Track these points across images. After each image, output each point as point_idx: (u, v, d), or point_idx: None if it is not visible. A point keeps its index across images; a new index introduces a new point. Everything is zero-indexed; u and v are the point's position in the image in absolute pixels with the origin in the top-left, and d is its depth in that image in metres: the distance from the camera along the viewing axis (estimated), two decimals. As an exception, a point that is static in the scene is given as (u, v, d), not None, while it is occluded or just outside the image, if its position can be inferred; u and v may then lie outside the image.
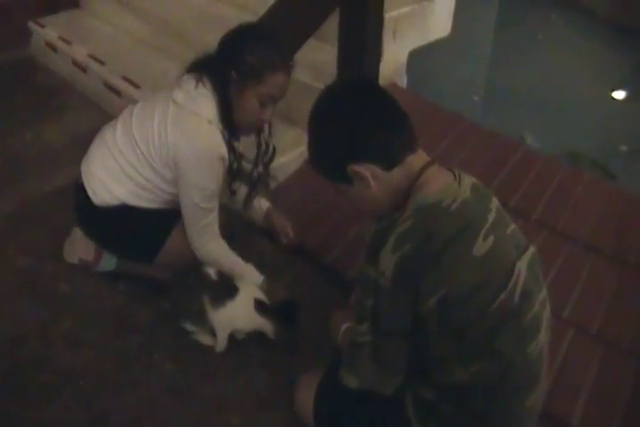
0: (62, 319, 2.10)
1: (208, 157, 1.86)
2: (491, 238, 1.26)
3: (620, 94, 4.13)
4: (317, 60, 2.76)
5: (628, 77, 4.32)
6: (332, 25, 2.52)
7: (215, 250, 2.04)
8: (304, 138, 2.73)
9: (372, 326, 1.28)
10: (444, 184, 1.32)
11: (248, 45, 1.84)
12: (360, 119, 1.33)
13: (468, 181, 1.35)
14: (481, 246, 1.25)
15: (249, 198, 2.25)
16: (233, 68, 1.84)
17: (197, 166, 1.87)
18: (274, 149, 2.17)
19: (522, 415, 1.38)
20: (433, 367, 1.34)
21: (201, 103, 1.87)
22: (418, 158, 1.36)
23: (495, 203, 1.36)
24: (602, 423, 1.83)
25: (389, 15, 2.82)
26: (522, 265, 1.31)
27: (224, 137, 1.89)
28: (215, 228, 2.02)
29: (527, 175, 2.67)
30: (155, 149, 1.90)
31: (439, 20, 3.41)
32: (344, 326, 1.66)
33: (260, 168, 2.19)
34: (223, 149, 1.88)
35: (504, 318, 1.26)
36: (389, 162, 1.33)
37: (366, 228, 1.80)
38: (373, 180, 1.33)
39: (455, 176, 1.35)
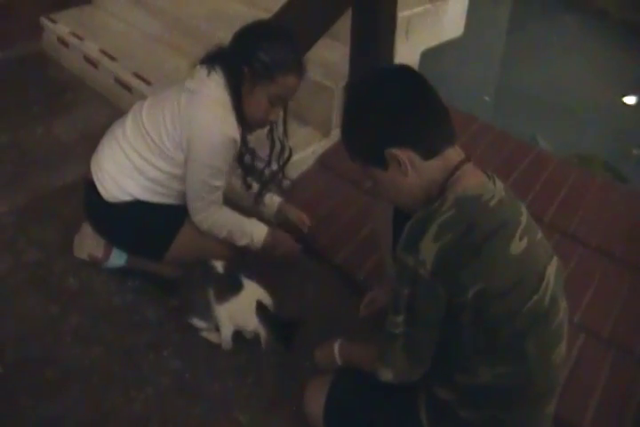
0: (71, 315, 2.10)
1: (220, 137, 1.86)
2: (525, 240, 1.26)
3: (631, 99, 4.11)
4: (329, 59, 2.75)
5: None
6: (344, 24, 2.51)
7: (219, 218, 2.04)
8: (315, 136, 2.79)
9: (407, 316, 1.26)
10: (480, 180, 1.31)
11: (263, 44, 1.84)
12: (407, 104, 1.30)
13: (500, 183, 1.34)
14: (517, 245, 1.24)
15: (260, 195, 2.24)
16: (246, 64, 1.84)
17: (209, 146, 1.87)
18: (290, 150, 2.18)
19: (540, 423, 1.38)
20: (457, 366, 1.32)
21: (212, 87, 1.88)
22: (455, 153, 1.34)
23: (525, 209, 1.35)
24: (612, 428, 1.83)
25: (402, 15, 2.81)
26: (551, 271, 1.30)
27: (235, 119, 1.90)
28: (219, 202, 2.02)
29: (539, 178, 2.65)
30: (167, 134, 1.90)
31: (452, 21, 3.40)
32: (336, 348, 1.64)
33: (274, 166, 2.19)
34: (235, 131, 1.88)
35: (535, 320, 1.26)
36: (429, 151, 1.30)
37: (378, 216, 1.79)
38: (411, 167, 1.31)
39: (489, 176, 1.34)
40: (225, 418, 1.84)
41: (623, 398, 1.89)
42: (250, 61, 1.83)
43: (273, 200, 2.30)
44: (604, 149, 3.36)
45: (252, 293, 1.96)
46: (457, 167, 1.30)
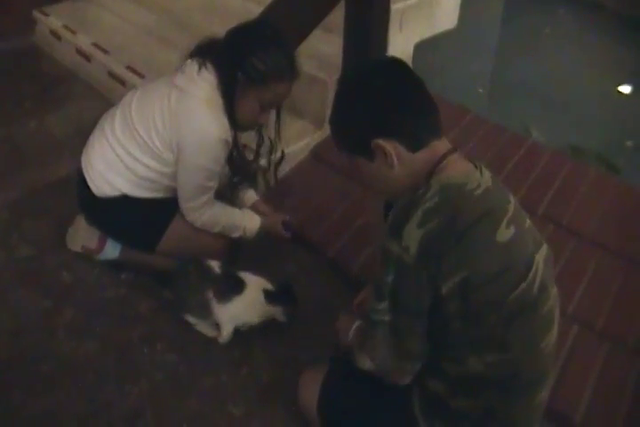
0: (64, 309, 2.10)
1: (210, 140, 1.85)
2: (512, 228, 1.26)
3: (626, 89, 4.10)
4: (322, 51, 2.74)
5: (635, 71, 4.29)
6: (337, 16, 2.49)
7: (211, 216, 2.04)
8: (309, 129, 2.78)
9: (390, 303, 1.26)
10: (466, 170, 1.31)
11: (258, 51, 1.83)
12: (394, 95, 1.31)
13: (488, 172, 1.35)
14: (504, 233, 1.25)
15: (236, 188, 2.24)
16: (240, 69, 1.83)
17: (201, 148, 1.87)
18: (283, 153, 2.18)
19: (530, 413, 1.38)
20: (446, 356, 1.32)
21: (204, 87, 1.86)
22: (442, 144, 1.34)
23: (512, 198, 1.35)
24: (605, 420, 1.83)
25: (396, 7, 2.80)
26: (539, 258, 1.31)
27: (227, 120, 1.89)
28: (211, 200, 2.02)
29: (533, 169, 2.65)
30: (157, 134, 1.89)
31: (446, 12, 3.39)
32: (354, 326, 1.60)
33: (262, 162, 2.19)
34: (227, 133, 1.87)
35: (522, 308, 1.26)
36: (415, 143, 1.31)
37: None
38: (397, 158, 1.31)
39: (476, 166, 1.34)
40: (219, 411, 1.84)
41: (616, 389, 1.90)
42: (244, 68, 1.82)
43: (249, 196, 2.28)
44: (597, 141, 3.35)
45: (256, 286, 1.97)
46: (443, 157, 1.31)
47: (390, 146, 1.30)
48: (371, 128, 1.32)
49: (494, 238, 1.23)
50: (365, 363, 1.36)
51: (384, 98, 1.31)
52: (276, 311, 1.96)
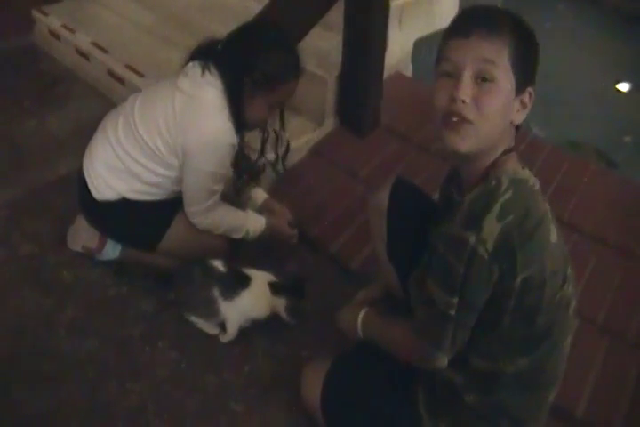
0: (66, 308, 2.10)
1: (218, 145, 1.85)
2: (555, 229, 1.26)
3: (624, 86, 4.10)
4: (322, 49, 2.74)
5: (634, 68, 4.29)
6: (337, 13, 2.50)
7: (216, 218, 2.04)
8: (309, 126, 2.79)
9: (461, 299, 1.21)
10: (522, 166, 1.31)
11: (264, 54, 1.83)
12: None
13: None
14: (554, 233, 1.24)
15: (246, 186, 2.24)
16: (247, 75, 1.83)
17: (207, 152, 1.86)
18: (288, 143, 2.17)
19: (542, 409, 1.39)
20: (479, 351, 1.30)
21: (208, 91, 1.86)
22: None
23: None
24: (606, 415, 1.83)
25: (395, 3, 2.80)
26: (569, 259, 1.31)
27: (232, 124, 1.88)
28: (217, 202, 2.02)
29: (533, 165, 2.63)
30: (161, 138, 1.88)
31: (445, 9, 3.39)
32: (361, 315, 1.58)
33: (270, 156, 2.19)
34: (233, 136, 1.87)
35: (562, 308, 1.27)
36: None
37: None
38: (518, 119, 1.29)
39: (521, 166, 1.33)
40: (221, 408, 1.84)
41: (617, 383, 1.91)
42: (251, 73, 1.83)
43: (260, 195, 2.29)
44: (596, 137, 3.36)
45: (261, 280, 1.97)
46: (512, 149, 1.31)
47: (529, 104, 1.29)
48: (534, 75, 1.29)
49: (550, 238, 1.23)
50: (444, 361, 1.30)
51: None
52: (280, 304, 1.95)
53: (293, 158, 2.65)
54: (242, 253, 2.22)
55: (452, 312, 1.22)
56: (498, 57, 1.22)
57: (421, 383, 1.44)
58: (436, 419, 1.41)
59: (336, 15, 2.50)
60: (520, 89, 1.25)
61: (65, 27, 3.53)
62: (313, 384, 1.63)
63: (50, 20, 3.62)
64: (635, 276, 2.22)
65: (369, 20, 2.47)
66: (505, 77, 1.22)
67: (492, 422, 1.36)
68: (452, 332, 1.25)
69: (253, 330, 2.03)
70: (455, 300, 1.21)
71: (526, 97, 1.28)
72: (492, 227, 1.15)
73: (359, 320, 1.58)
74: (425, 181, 2.02)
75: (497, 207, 1.17)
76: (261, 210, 2.26)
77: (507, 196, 1.19)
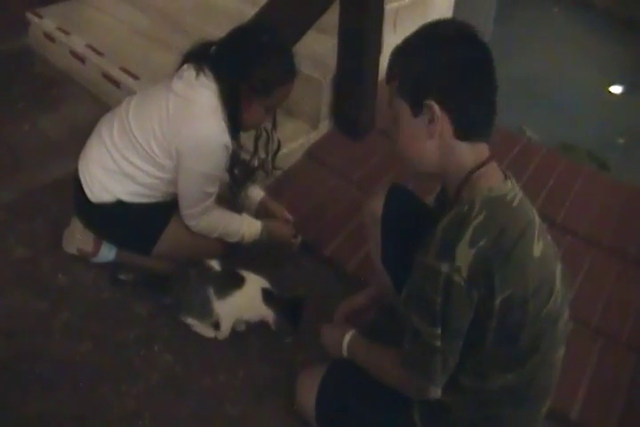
0: (61, 311, 2.09)
1: (212, 146, 1.85)
2: (541, 241, 1.24)
3: (617, 89, 4.13)
4: (317, 52, 2.74)
5: (626, 71, 4.31)
6: (332, 16, 2.50)
7: (211, 222, 2.04)
8: (304, 129, 2.79)
9: (444, 329, 1.19)
10: (501, 179, 1.27)
11: (260, 59, 1.84)
12: (477, 70, 1.24)
13: (515, 182, 1.30)
14: (537, 248, 1.22)
15: (242, 185, 2.24)
16: (243, 80, 1.84)
17: (200, 154, 1.87)
18: (279, 142, 2.18)
19: (536, 420, 1.39)
20: (468, 371, 1.29)
21: (202, 93, 1.86)
22: (485, 149, 1.29)
23: (533, 208, 1.32)
24: (600, 417, 1.84)
25: (390, 6, 2.80)
26: (558, 271, 1.29)
27: (227, 126, 1.88)
28: (212, 205, 2.02)
29: (527, 168, 2.66)
30: (155, 140, 1.89)
31: (440, 12, 3.39)
32: (347, 337, 1.58)
33: (261, 155, 2.19)
34: (227, 138, 1.87)
35: (548, 324, 1.25)
36: (466, 130, 1.24)
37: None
38: (438, 133, 1.24)
39: (505, 175, 1.29)
40: (216, 412, 1.84)
41: (611, 385, 1.91)
42: (247, 80, 1.83)
43: (256, 193, 2.29)
44: (589, 139, 3.37)
45: (255, 283, 1.97)
46: (486, 161, 1.26)
47: (441, 116, 1.22)
48: (436, 86, 1.23)
49: (532, 254, 1.21)
50: (437, 392, 1.29)
51: (466, 68, 1.23)
52: (269, 315, 1.95)
53: (288, 161, 2.65)
54: (238, 255, 2.21)
55: (438, 343, 1.21)
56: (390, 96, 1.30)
57: None
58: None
59: (331, 18, 2.51)
60: (412, 101, 1.26)
61: (60, 29, 3.52)
62: (308, 390, 1.63)
63: (44, 23, 3.61)
64: (628, 278, 2.23)
65: (364, 23, 2.48)
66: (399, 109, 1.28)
67: None
68: (442, 362, 1.24)
69: (249, 333, 2.03)
70: (438, 330, 1.20)
71: (427, 110, 1.24)
72: (464, 254, 1.14)
73: (344, 344, 1.57)
74: (419, 184, 2.03)
75: (468, 234, 1.15)
76: (259, 208, 2.28)
77: (479, 219, 1.17)
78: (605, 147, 3.41)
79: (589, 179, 2.68)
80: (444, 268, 1.15)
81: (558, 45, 4.36)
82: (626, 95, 4.08)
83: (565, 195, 2.55)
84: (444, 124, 1.23)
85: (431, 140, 1.26)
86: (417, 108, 1.25)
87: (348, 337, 1.58)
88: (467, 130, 1.25)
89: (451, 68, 1.23)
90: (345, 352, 1.57)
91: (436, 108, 1.22)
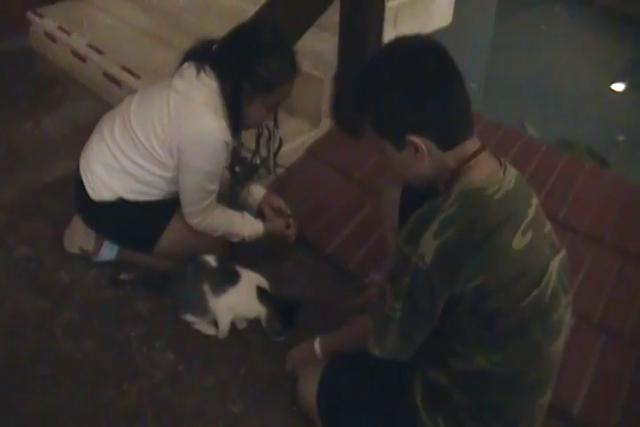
0: (62, 310, 2.10)
1: (212, 143, 1.86)
2: (529, 234, 1.24)
3: (619, 86, 4.12)
4: (318, 49, 2.74)
5: (627, 68, 4.31)
6: (333, 14, 2.50)
7: (213, 221, 2.04)
8: (305, 127, 2.79)
9: (405, 304, 1.25)
10: (490, 171, 1.27)
11: (262, 58, 1.83)
12: (435, 91, 1.24)
13: (513, 172, 1.31)
14: (520, 240, 1.23)
15: (243, 183, 2.25)
16: (245, 79, 1.84)
17: (201, 152, 1.87)
18: (280, 140, 2.18)
19: (533, 413, 1.39)
20: (453, 352, 1.32)
21: (203, 91, 1.86)
22: (473, 143, 1.30)
23: (535, 200, 1.33)
24: (603, 413, 1.83)
25: (390, 4, 2.80)
26: (554, 266, 1.29)
27: (228, 124, 1.89)
28: (213, 204, 2.03)
29: (529, 165, 2.66)
30: (156, 138, 1.89)
31: (440, 9, 3.39)
32: (316, 343, 1.67)
33: (263, 153, 2.19)
34: (227, 135, 1.88)
35: (534, 314, 1.26)
36: (448, 142, 1.27)
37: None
38: (428, 155, 1.26)
39: (501, 165, 1.31)
40: (219, 409, 1.84)
41: (613, 382, 1.91)
42: (249, 78, 1.83)
43: (258, 191, 2.30)
44: (590, 136, 3.37)
45: (250, 280, 1.97)
46: (472, 156, 1.27)
47: (423, 143, 1.25)
48: (407, 124, 1.25)
49: (511, 245, 1.22)
50: (375, 351, 1.35)
51: (423, 93, 1.24)
52: (261, 314, 1.95)
53: (289, 159, 2.65)
54: (241, 253, 2.21)
55: (396, 315, 1.27)
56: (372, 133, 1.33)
57: (417, 379, 1.45)
58: (432, 412, 1.41)
59: (332, 16, 2.51)
60: (392, 141, 1.29)
61: (60, 29, 3.53)
62: (309, 385, 1.64)
63: (45, 22, 3.62)
64: (630, 274, 2.23)
65: (365, 21, 2.48)
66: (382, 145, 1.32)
67: (485, 423, 1.37)
68: (398, 332, 1.29)
69: (250, 330, 2.04)
70: (399, 305, 1.26)
71: (409, 143, 1.26)
72: (428, 244, 1.19)
73: (316, 348, 1.66)
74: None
75: (435, 225, 1.20)
76: (261, 206, 2.28)
77: (449, 211, 1.20)
78: (607, 144, 3.41)
79: (591, 176, 2.68)
80: (411, 252, 1.21)
81: (559, 43, 4.35)
82: (627, 93, 4.08)
83: (567, 192, 2.55)
84: (428, 145, 1.26)
85: (422, 163, 1.29)
86: (399, 144, 1.28)
87: (316, 344, 1.67)
88: (450, 141, 1.28)
89: (415, 96, 1.24)
90: (321, 356, 1.65)
91: (418, 139, 1.25)
